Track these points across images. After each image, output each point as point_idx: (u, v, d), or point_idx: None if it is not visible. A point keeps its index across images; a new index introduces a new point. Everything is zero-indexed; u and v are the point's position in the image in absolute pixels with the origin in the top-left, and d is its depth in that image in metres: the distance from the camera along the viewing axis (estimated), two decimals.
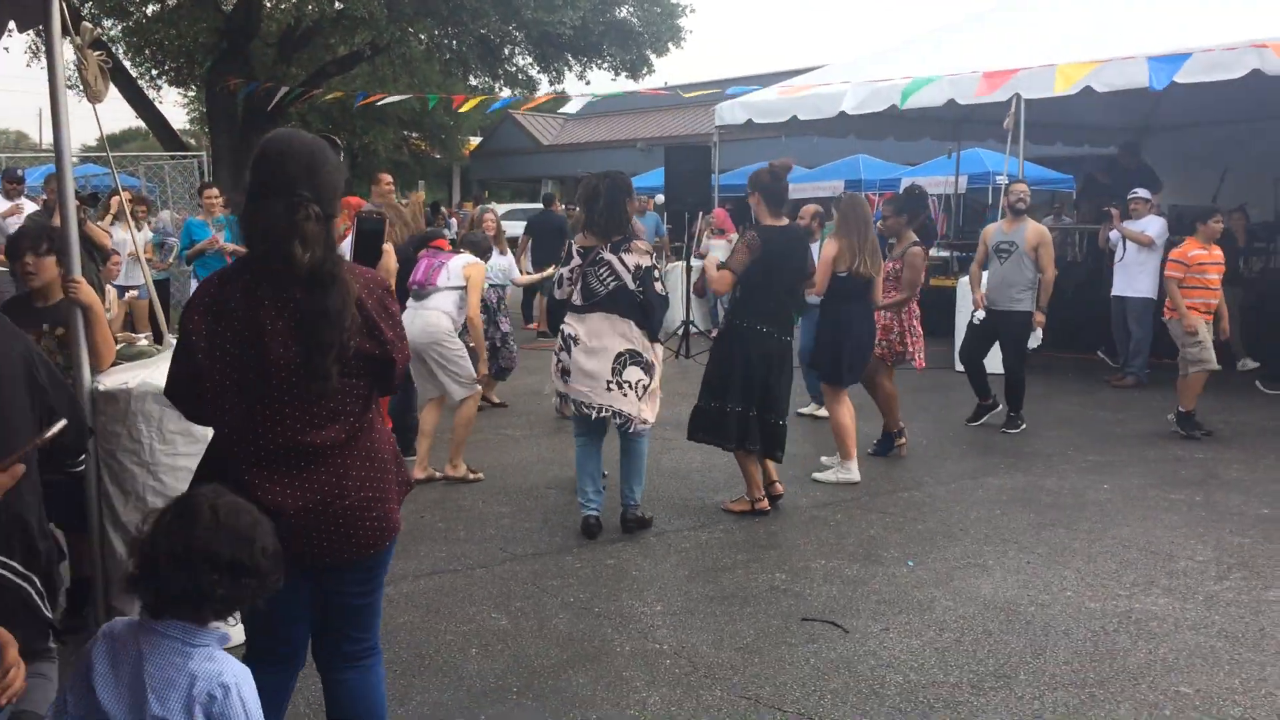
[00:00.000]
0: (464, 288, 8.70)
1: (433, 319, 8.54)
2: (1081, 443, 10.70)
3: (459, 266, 8.62)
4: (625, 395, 7.26)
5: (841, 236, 8.63)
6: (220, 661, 2.77)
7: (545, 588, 6.73)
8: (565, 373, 7.38)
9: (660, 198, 21.94)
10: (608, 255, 7.20)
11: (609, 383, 7.22)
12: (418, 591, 6.68)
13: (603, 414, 7.32)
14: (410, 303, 8.59)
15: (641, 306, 7.17)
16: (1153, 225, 14.21)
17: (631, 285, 7.17)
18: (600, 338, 7.18)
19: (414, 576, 6.97)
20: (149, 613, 2.81)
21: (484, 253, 9.24)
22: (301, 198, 3.47)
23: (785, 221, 7.82)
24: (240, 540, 2.76)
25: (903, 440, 10.02)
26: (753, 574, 6.95)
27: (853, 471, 8.90)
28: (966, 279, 13.71)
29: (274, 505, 3.53)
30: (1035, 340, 11.40)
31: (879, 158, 27.27)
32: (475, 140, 49.46)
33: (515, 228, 23.94)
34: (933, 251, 18.05)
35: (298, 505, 3.60)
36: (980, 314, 11.05)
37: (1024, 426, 11.03)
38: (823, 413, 11.13)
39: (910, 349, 9.84)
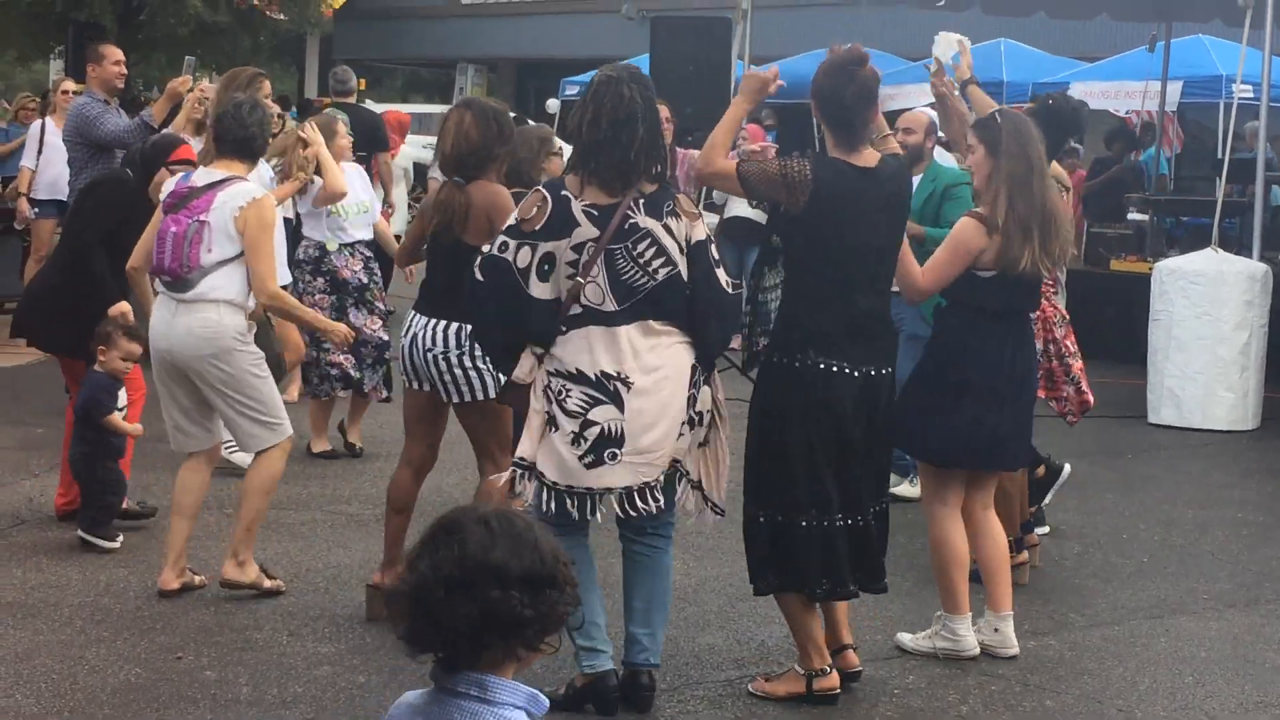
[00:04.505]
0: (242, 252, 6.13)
1: (208, 317, 6.10)
2: None
3: (228, 213, 6.00)
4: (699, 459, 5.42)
5: (995, 200, 5.65)
6: None
7: None
8: (611, 442, 4.95)
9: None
10: (647, 221, 4.98)
11: (683, 426, 5.17)
12: None
13: (654, 492, 5.03)
14: (160, 293, 6.29)
15: (697, 313, 5.11)
16: None
17: (685, 272, 5.11)
18: (655, 363, 5.05)
19: None
20: (441, 667, 2.78)
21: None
22: None
23: (869, 159, 5.29)
24: (524, 546, 2.73)
25: (1023, 557, 6.89)
26: None
27: (962, 639, 5.94)
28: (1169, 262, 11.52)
29: None
30: None
31: (1029, 43, 20.23)
32: None
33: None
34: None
35: None
36: None
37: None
38: (915, 491, 7.94)
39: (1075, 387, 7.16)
